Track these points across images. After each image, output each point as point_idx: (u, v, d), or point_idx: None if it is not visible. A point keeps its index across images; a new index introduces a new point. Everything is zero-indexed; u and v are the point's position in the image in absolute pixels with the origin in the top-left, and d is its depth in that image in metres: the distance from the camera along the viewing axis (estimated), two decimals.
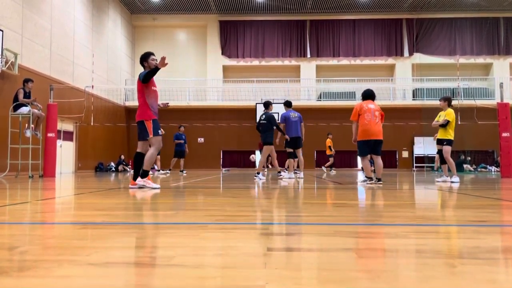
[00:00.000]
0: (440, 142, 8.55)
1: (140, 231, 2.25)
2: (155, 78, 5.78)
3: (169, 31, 23.73)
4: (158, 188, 5.58)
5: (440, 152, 8.57)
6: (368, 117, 6.92)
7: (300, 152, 9.73)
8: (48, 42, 14.79)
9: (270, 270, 1.37)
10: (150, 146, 5.62)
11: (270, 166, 17.53)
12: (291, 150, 9.71)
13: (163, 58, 5.23)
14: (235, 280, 1.26)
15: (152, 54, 5.82)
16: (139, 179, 5.61)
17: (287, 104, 9.99)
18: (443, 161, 8.49)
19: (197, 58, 23.61)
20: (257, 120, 9.62)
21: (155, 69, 5.42)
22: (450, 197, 4.71)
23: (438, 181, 8.26)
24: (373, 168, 7.80)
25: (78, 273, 1.33)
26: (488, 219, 2.74)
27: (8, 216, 2.89)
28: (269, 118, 9.18)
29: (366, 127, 6.92)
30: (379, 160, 6.99)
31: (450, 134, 8.37)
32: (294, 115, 9.69)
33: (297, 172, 11.03)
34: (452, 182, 7.94)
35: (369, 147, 6.95)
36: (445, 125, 8.34)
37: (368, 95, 7.29)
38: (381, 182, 6.90)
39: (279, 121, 9.92)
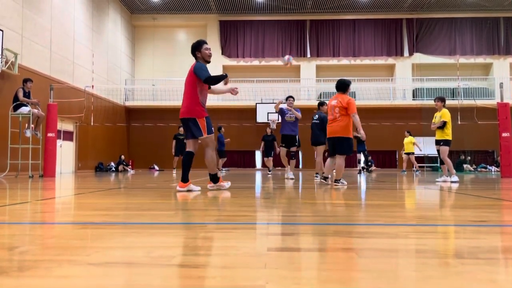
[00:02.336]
0: (437, 142, 8.55)
1: (140, 231, 2.25)
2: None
3: (169, 31, 23.73)
4: (227, 187, 5.39)
5: (439, 152, 8.58)
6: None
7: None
8: (48, 42, 14.79)
9: (270, 270, 1.37)
10: (206, 146, 5.14)
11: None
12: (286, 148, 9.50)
13: (235, 90, 5.26)
14: (235, 280, 1.26)
15: (205, 42, 5.25)
16: (211, 184, 5.28)
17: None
18: (442, 161, 8.49)
19: None
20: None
21: (223, 76, 5.14)
22: (450, 197, 4.71)
23: (438, 181, 8.27)
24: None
25: (78, 273, 1.33)
26: (488, 219, 2.74)
27: (8, 216, 2.89)
28: (323, 118, 9.02)
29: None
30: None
31: (447, 135, 8.36)
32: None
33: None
34: (452, 182, 7.95)
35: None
36: (442, 126, 8.34)
37: (336, 86, 6.67)
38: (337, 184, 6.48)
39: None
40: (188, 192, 4.94)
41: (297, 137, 9.46)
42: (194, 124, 4.99)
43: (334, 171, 6.70)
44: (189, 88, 5.03)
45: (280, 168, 19.68)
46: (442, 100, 8.57)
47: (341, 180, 6.48)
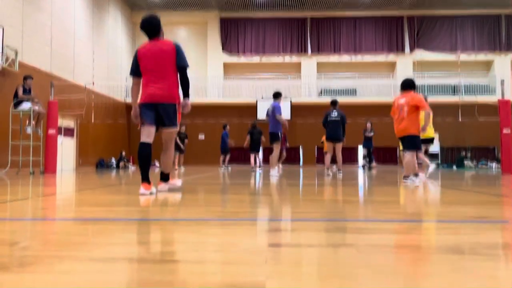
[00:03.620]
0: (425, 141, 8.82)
1: (141, 227, 2.25)
2: None
3: (169, 28, 23.66)
4: (180, 185, 4.70)
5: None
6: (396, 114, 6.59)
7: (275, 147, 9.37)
8: (49, 39, 14.78)
9: (271, 266, 1.37)
10: (171, 139, 4.36)
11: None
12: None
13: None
14: (236, 276, 1.26)
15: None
16: (162, 185, 4.42)
17: (275, 95, 9.58)
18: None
19: (198, 55, 23.58)
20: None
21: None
22: (450, 193, 4.71)
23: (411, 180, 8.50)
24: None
25: (79, 269, 1.33)
26: (489, 215, 2.74)
27: (10, 212, 2.89)
28: (342, 116, 9.40)
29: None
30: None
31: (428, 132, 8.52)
32: (269, 108, 9.39)
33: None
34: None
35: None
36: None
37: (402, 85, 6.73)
38: (406, 180, 6.42)
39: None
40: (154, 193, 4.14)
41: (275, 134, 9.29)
42: (175, 112, 4.20)
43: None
44: (171, 69, 4.19)
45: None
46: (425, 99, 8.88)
47: (410, 177, 6.35)
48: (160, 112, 4.16)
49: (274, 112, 9.17)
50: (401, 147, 11.04)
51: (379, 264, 1.41)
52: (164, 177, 4.44)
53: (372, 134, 15.61)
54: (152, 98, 4.15)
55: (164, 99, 4.14)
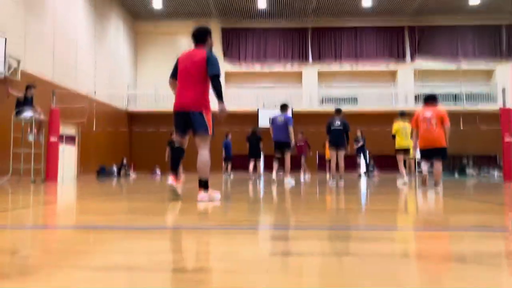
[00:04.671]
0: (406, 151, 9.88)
1: (142, 236, 2.25)
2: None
3: (171, 37, 23.82)
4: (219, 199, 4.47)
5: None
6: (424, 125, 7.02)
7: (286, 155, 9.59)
8: (51, 48, 14.86)
9: (272, 274, 1.36)
10: (205, 146, 4.44)
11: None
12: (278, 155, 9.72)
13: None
14: (236, 285, 1.26)
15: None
16: (203, 194, 4.30)
17: (282, 107, 9.84)
18: (404, 165, 9.90)
19: None
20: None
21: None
22: (452, 202, 4.69)
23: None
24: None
25: (80, 278, 1.33)
26: (491, 224, 2.73)
27: (11, 221, 2.89)
28: (345, 124, 9.60)
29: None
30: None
31: (396, 143, 9.85)
32: (281, 118, 9.56)
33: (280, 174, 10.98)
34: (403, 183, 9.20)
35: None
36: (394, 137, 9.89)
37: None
38: (437, 187, 6.83)
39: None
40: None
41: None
42: (201, 119, 4.32)
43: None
44: (200, 77, 4.35)
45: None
46: (399, 114, 10.10)
47: (440, 184, 6.86)
48: (190, 119, 4.37)
49: (287, 123, 9.46)
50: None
51: (382, 273, 1.40)
52: (203, 185, 4.34)
53: (361, 143, 15.57)
54: (181, 106, 4.41)
55: (192, 107, 4.34)
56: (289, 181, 9.26)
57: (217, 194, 4.49)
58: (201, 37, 4.62)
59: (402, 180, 9.35)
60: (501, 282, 1.34)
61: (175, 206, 3.91)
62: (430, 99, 7.17)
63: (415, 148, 7.35)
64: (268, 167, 17.27)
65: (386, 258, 1.65)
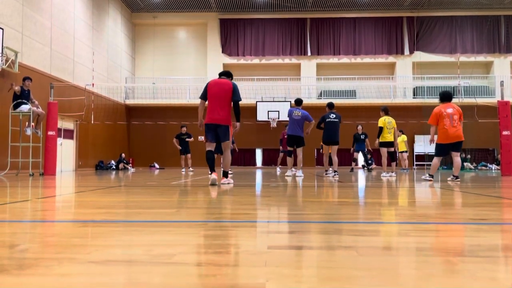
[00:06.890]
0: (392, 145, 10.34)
1: (141, 229, 2.25)
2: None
3: (169, 29, 23.71)
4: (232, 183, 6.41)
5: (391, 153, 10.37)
6: (447, 122, 7.40)
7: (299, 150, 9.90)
8: (49, 40, 14.78)
9: (271, 268, 1.37)
10: (227, 148, 6.26)
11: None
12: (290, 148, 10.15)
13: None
14: (236, 278, 1.26)
15: None
16: (225, 179, 6.24)
17: (297, 102, 10.12)
18: (393, 159, 10.36)
19: (197, 57, 23.60)
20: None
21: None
22: (450, 195, 4.71)
23: (384, 176, 9.75)
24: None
25: (79, 271, 1.33)
26: (488, 217, 2.74)
27: (9, 214, 2.89)
28: (340, 117, 10.12)
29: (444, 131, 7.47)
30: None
31: (384, 138, 10.28)
32: (297, 113, 9.73)
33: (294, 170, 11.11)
34: (388, 176, 9.62)
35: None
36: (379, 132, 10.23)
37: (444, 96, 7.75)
38: (458, 179, 7.34)
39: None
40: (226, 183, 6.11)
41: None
42: (226, 131, 6.09)
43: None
44: (227, 101, 6.10)
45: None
46: (382, 110, 10.52)
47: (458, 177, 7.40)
48: (218, 131, 6.11)
49: (305, 119, 9.81)
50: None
51: (379, 266, 1.41)
52: (225, 174, 6.34)
53: (363, 137, 15.64)
54: (213, 120, 6.09)
55: (221, 122, 6.08)
56: (300, 173, 9.56)
57: (231, 180, 6.50)
58: (227, 74, 6.40)
59: (387, 174, 9.79)
60: (498, 275, 1.35)
61: (175, 200, 3.92)
62: (448, 97, 7.63)
63: (431, 142, 7.86)
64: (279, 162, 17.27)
65: (382, 251, 1.66)
